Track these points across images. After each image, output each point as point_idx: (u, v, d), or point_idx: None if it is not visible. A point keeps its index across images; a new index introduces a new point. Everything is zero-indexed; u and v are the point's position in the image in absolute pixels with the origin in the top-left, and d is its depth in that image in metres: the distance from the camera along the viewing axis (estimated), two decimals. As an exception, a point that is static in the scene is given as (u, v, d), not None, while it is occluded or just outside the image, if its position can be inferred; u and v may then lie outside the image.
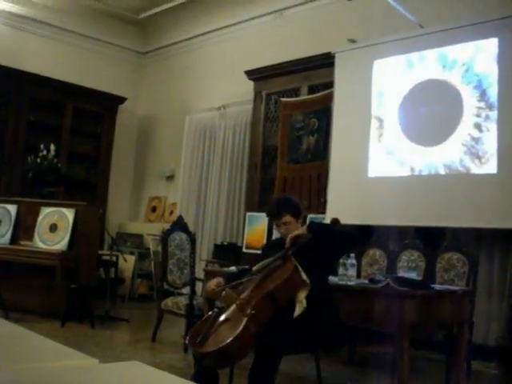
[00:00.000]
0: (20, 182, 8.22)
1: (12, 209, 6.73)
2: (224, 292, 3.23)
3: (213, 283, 3.39)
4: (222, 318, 3.05)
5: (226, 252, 7.26)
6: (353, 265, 3.90)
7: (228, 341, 2.84)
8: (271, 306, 3.04)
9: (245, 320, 2.93)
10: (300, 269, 3.13)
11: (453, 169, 5.52)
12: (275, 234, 6.11)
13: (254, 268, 3.32)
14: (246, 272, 3.47)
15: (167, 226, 5.80)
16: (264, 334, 2.96)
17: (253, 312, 2.96)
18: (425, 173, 5.72)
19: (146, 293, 8.90)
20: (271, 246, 3.62)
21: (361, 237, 5.63)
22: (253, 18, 8.40)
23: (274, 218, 3.49)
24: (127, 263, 8.10)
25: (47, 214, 6.51)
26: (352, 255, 3.93)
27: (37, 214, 6.55)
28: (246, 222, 7.21)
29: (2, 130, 8.42)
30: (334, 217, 3.50)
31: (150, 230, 9.09)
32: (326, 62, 6.67)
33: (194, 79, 9.30)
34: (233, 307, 3.08)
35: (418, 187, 5.73)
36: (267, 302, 3.03)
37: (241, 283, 3.25)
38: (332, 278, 3.80)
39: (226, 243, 7.59)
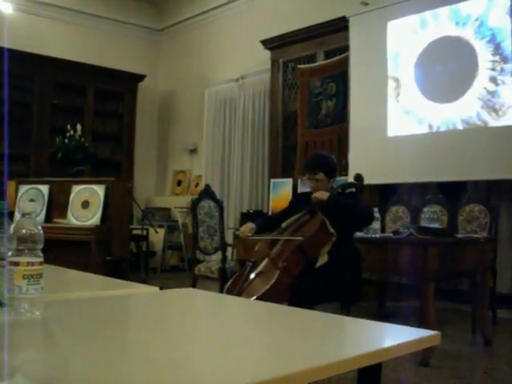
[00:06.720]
0: (48, 163, 8.47)
1: (44, 189, 6.94)
2: (257, 247, 3.42)
3: (246, 229, 3.57)
4: (256, 271, 3.25)
5: (253, 219, 7.38)
6: (376, 218, 4.06)
7: (262, 291, 3.03)
8: (302, 258, 3.22)
9: (277, 272, 3.12)
10: (327, 222, 3.29)
11: (470, 123, 5.62)
12: (300, 190, 6.28)
13: (283, 224, 3.48)
14: (274, 221, 3.67)
15: (195, 197, 5.99)
16: (295, 284, 3.15)
17: (284, 264, 3.15)
18: (443, 129, 5.83)
19: (176, 264, 9.16)
20: (298, 200, 3.76)
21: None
22: (265, -12, 8.48)
23: (309, 171, 3.57)
24: (157, 235, 8.34)
25: (78, 192, 6.70)
26: (375, 209, 4.07)
27: (68, 193, 6.73)
28: (271, 188, 7.38)
29: (27, 114, 8.67)
30: (357, 172, 3.64)
31: (177, 203, 9.32)
32: (339, 26, 6.76)
33: (211, 52, 9.42)
34: (265, 261, 3.27)
35: (437, 143, 5.84)
36: (298, 255, 3.22)
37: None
38: (357, 233, 3.95)
39: (251, 211, 7.76)
